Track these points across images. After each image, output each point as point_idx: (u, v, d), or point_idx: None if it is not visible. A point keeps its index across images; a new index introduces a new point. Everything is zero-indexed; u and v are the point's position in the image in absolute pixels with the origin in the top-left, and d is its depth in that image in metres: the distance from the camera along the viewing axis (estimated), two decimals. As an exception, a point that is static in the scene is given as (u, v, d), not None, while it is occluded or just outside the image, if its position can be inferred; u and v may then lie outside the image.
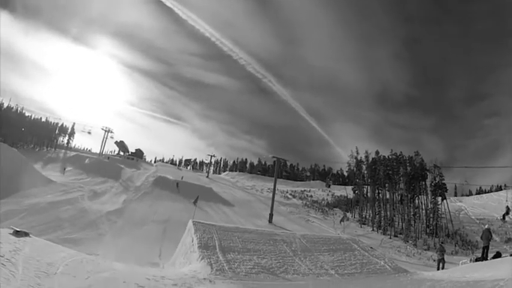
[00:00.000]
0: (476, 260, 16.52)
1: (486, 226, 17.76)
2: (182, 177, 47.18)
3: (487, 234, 16.19)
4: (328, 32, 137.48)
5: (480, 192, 74.75)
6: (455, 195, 73.58)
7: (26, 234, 8.94)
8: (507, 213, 43.32)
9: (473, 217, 49.91)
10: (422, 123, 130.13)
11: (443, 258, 18.88)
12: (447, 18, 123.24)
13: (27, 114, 75.43)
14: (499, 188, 70.14)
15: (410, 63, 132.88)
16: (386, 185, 49.16)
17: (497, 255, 15.93)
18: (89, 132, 66.00)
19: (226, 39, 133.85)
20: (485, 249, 16.06)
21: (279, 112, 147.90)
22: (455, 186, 76.15)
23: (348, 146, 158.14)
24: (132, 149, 75.11)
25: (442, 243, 23.09)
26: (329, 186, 39.03)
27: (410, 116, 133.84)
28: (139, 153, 74.76)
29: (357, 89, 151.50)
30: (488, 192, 70.99)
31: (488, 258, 15.45)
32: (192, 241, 14.50)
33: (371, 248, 18.16)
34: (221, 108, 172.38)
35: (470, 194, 76.57)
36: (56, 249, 8.93)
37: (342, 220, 37.52)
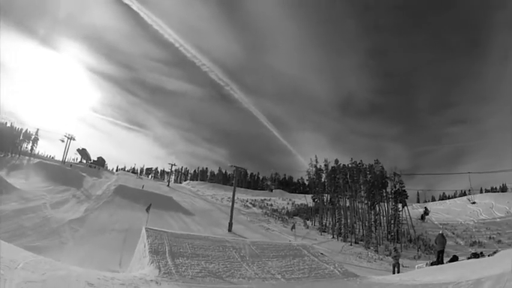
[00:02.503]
0: (432, 264, 17.48)
1: (440, 231, 18.87)
2: (143, 186, 48.36)
3: (441, 239, 17.20)
4: (294, 40, 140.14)
5: (443, 198, 78.09)
6: (418, 202, 75.88)
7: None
8: (426, 213, 46.09)
9: (436, 222, 52.16)
10: (386, 132, 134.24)
11: (398, 263, 19.80)
12: (415, 29, 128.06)
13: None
14: (463, 194, 72.96)
15: (377, 73, 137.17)
16: (346, 192, 50.79)
17: (454, 258, 17.00)
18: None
19: (190, 45, 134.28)
20: (440, 253, 17.09)
21: (240, 120, 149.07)
22: (418, 192, 79.89)
23: (310, 154, 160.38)
24: (94, 157, 75.13)
25: (395, 248, 25.16)
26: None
27: (374, 124, 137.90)
28: (101, 162, 74.88)
29: (321, 98, 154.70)
30: (451, 197, 74.31)
31: (445, 262, 16.40)
32: (144, 247, 15.08)
33: (321, 254, 18.95)
34: (183, 115, 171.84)
35: (434, 199, 79.08)
36: (18, 250, 9.94)
37: (292, 227, 39.15)
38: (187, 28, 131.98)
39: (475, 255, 18.18)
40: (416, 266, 20.71)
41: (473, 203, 53.30)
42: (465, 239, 41.11)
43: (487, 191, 68.91)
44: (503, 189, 78.61)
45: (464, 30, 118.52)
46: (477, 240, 39.86)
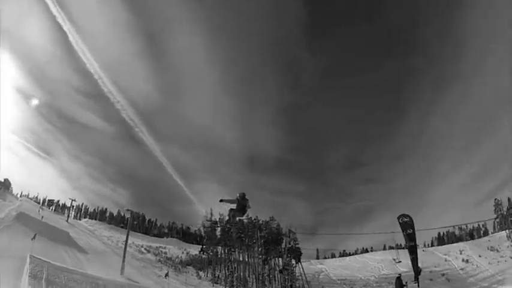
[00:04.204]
0: None
1: (397, 275, 19.88)
2: (42, 217, 46.04)
3: (398, 283, 18.41)
4: (211, 88, 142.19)
5: (344, 255, 78.29)
6: (318, 258, 75.40)
7: None
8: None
9: (334, 278, 54.00)
10: (292, 188, 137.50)
11: None
12: (335, 87, 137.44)
13: None
14: (365, 251, 74.45)
15: (289, 128, 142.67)
16: (243, 247, 51.77)
17: None
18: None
19: (109, 80, 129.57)
20: None
21: (146, 164, 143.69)
22: (317, 249, 78.02)
23: (213, 206, 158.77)
24: (1, 178, 68.39)
25: None
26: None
27: (280, 180, 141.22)
28: (7, 184, 68.41)
29: (231, 150, 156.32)
30: (352, 254, 75.44)
31: None
32: (27, 272, 16.41)
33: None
34: (91, 151, 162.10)
35: (333, 256, 78.44)
36: None
37: (166, 275, 39.07)
38: (110, 60, 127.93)
39: None
40: None
41: (399, 262, 54.05)
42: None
43: (391, 247, 73.07)
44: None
45: (386, 90, 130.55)
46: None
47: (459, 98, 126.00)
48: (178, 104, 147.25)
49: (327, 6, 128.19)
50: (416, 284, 22.15)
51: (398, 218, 24.72)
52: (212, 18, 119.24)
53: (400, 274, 19.44)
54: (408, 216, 24.63)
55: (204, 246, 54.99)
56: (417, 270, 19.00)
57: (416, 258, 21.60)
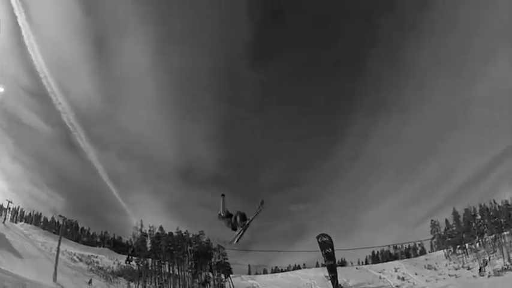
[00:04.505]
0: None
1: None
2: None
3: None
4: (152, 96, 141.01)
5: (276, 271, 79.02)
6: (250, 274, 75.77)
7: None
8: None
9: None
10: (227, 204, 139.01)
11: None
12: (276, 107, 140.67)
13: None
14: (297, 268, 76.35)
15: (226, 144, 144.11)
16: (174, 260, 53.16)
17: None
18: None
19: (53, 80, 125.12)
20: None
21: (83, 170, 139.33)
22: (249, 265, 77.95)
23: (147, 217, 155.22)
24: None
25: None
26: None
27: (214, 196, 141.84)
28: None
29: (167, 162, 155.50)
30: (285, 271, 76.80)
31: None
32: None
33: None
34: (32, 153, 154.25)
35: (266, 272, 79.89)
36: None
37: (89, 282, 39.85)
38: (58, 59, 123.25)
39: None
40: None
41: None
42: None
43: (323, 265, 72.58)
44: (342, 263, 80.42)
45: (327, 112, 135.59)
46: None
47: (399, 123, 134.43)
48: (118, 111, 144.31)
49: (277, 29, 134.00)
50: None
51: (317, 237, 25.30)
52: (161, 26, 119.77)
53: None
54: (327, 235, 25.27)
55: (130, 256, 54.90)
56: (337, 288, 17.02)
57: (336, 277, 21.76)
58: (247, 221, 10.07)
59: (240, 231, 10.14)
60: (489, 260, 57.39)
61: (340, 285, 39.36)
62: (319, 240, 25.09)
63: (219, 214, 10.33)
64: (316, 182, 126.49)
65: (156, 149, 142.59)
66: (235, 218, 10.17)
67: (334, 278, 18.80)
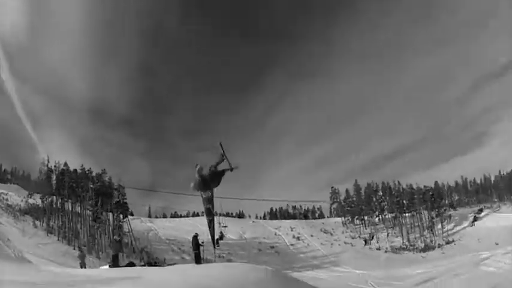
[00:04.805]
0: (110, 266, 18.04)
1: (194, 234, 19.14)
2: None
3: (195, 242, 18.26)
4: (77, 33, 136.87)
5: (175, 216, 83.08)
6: (150, 217, 76.42)
7: None
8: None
9: (163, 237, 57.43)
10: (135, 145, 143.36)
11: (83, 262, 23.12)
12: (191, 58, 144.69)
13: None
14: (196, 215, 78.15)
15: (141, 90, 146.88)
16: (76, 197, 53.34)
17: (130, 264, 19.13)
18: None
19: None
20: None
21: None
22: (149, 207, 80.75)
23: (54, 154, 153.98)
24: None
25: (80, 249, 33.08)
26: None
27: (124, 135, 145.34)
28: None
29: (82, 100, 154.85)
30: (184, 217, 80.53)
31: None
32: None
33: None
34: None
35: (165, 216, 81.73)
36: None
37: None
38: None
39: (150, 264, 24.65)
40: (100, 267, 23.56)
41: (225, 226, 54.50)
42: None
43: (220, 214, 66.66)
44: (240, 215, 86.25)
45: (244, 71, 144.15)
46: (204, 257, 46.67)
47: (316, 91, 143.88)
48: (43, 44, 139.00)
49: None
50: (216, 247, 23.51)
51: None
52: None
53: (196, 234, 18.78)
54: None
55: (30, 192, 55.32)
56: (213, 234, 17.29)
57: (213, 221, 19.00)
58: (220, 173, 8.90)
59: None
60: (387, 236, 62.33)
61: (221, 232, 43.61)
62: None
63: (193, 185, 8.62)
64: (227, 135, 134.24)
65: (73, 86, 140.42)
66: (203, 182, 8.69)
67: (211, 222, 17.10)
